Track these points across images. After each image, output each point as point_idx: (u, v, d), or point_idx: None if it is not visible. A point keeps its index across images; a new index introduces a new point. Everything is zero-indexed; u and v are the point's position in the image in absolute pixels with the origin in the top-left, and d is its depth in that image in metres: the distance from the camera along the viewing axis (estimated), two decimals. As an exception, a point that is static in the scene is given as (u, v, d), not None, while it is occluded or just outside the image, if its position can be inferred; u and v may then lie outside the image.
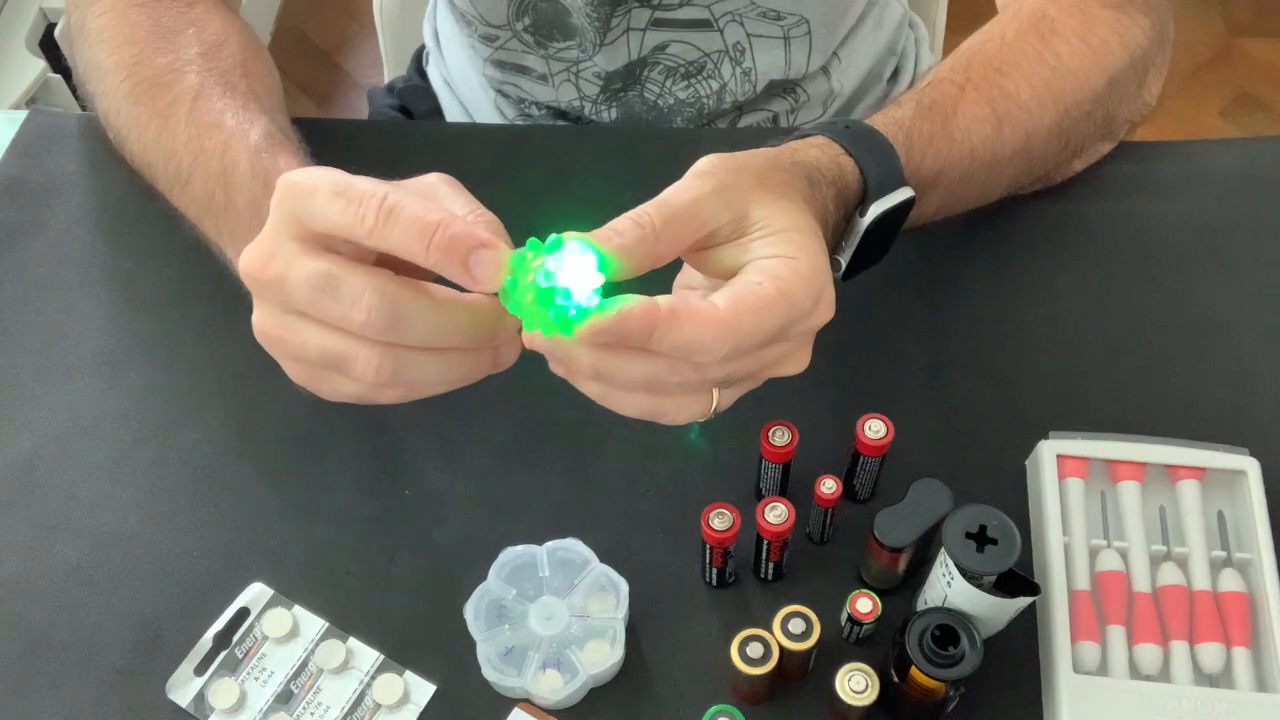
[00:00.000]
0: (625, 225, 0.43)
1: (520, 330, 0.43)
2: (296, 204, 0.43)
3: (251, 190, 0.54)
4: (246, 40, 0.65)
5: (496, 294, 0.42)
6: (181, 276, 0.68)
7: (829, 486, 0.54)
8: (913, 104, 0.61)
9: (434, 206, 0.42)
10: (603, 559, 0.56)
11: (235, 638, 0.56)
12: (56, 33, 1.52)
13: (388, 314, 0.41)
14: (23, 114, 0.76)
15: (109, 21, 0.64)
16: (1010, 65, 0.63)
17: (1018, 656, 0.54)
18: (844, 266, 0.58)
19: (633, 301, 0.41)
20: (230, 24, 0.65)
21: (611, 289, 0.42)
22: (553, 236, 0.41)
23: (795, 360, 0.47)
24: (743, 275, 0.44)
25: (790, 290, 0.43)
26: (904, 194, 0.56)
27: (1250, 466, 0.57)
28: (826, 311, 0.46)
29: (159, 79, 0.61)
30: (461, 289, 0.43)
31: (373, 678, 0.54)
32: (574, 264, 0.41)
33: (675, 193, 0.45)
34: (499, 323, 0.43)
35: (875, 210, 0.55)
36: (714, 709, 0.49)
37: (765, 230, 0.45)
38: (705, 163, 0.47)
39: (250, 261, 0.44)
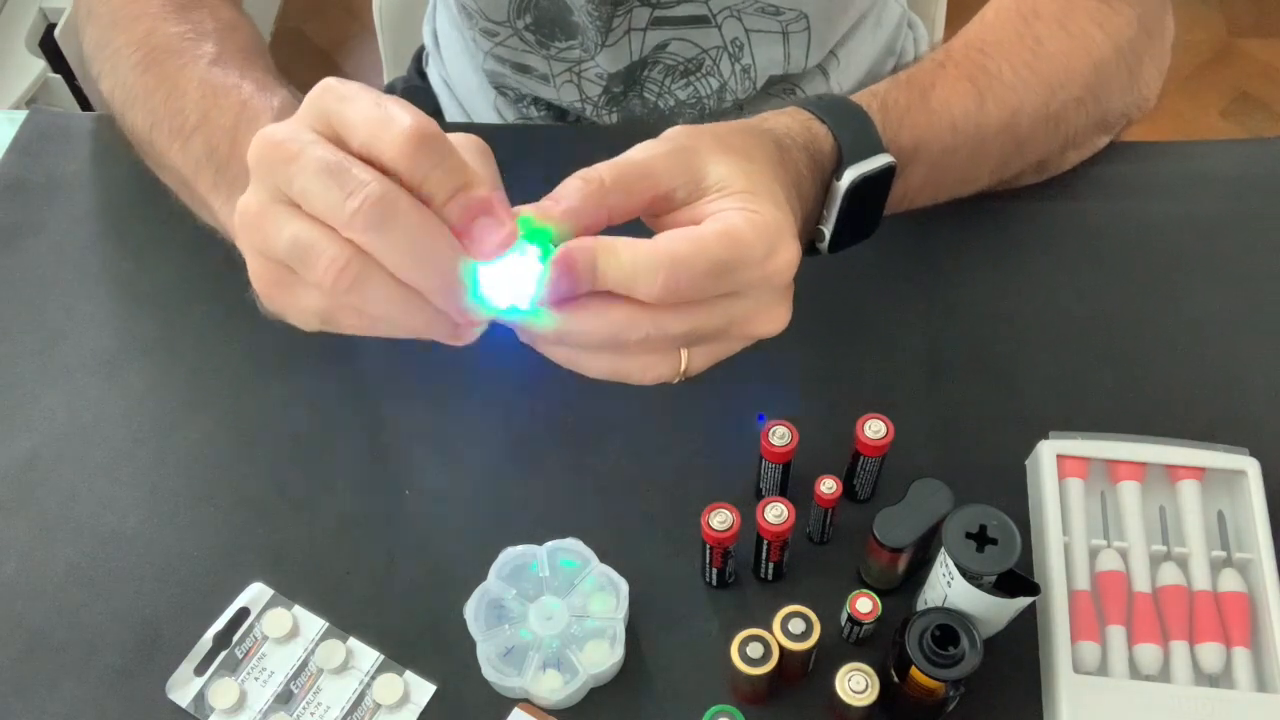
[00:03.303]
0: (570, 185, 0.43)
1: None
2: (331, 104, 0.42)
3: None
4: (252, 32, 0.65)
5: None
6: (181, 276, 0.68)
7: (829, 486, 0.54)
8: (890, 80, 0.61)
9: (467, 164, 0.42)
10: (603, 559, 0.56)
11: (235, 638, 0.56)
12: (56, 33, 1.52)
13: (380, 210, 0.40)
14: (23, 114, 0.76)
15: (121, 2, 0.64)
16: (991, 45, 0.63)
17: (1018, 656, 0.54)
18: (828, 236, 0.57)
19: (571, 241, 0.42)
20: (240, 16, 0.66)
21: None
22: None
23: (767, 316, 0.46)
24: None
25: (735, 229, 0.43)
26: (883, 159, 0.56)
27: (1250, 466, 0.57)
28: (784, 259, 0.44)
29: (172, 45, 0.61)
30: None
31: (373, 678, 0.54)
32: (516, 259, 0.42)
33: (630, 152, 0.45)
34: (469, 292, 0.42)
35: (852, 174, 0.55)
36: (714, 709, 0.49)
37: (723, 191, 0.45)
38: (667, 131, 0.47)
39: (266, 136, 0.42)
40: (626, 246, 0.42)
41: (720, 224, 0.43)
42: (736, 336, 0.46)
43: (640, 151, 0.45)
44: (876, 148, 0.56)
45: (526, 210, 0.43)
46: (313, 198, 0.41)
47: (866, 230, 0.59)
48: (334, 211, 0.40)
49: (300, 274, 0.42)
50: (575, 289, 0.42)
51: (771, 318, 0.46)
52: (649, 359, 0.45)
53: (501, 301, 0.42)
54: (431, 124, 0.41)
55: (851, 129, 0.56)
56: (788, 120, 0.55)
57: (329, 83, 0.42)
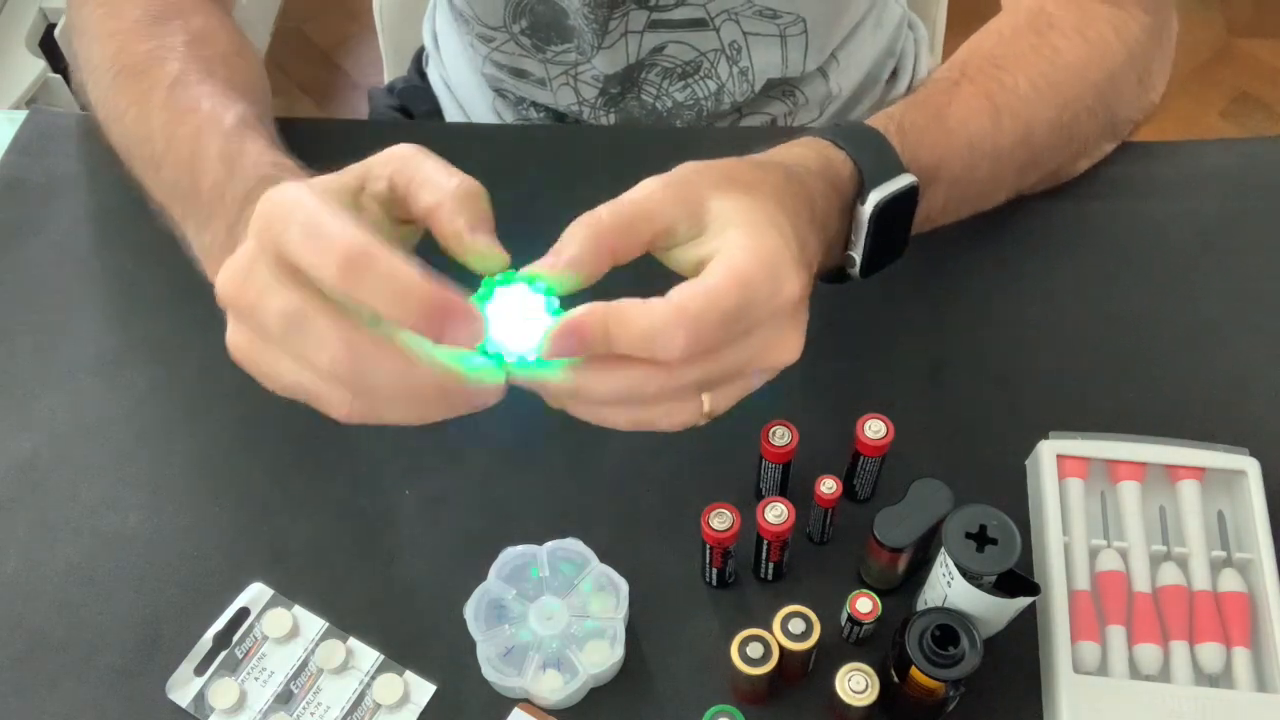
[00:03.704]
0: (571, 233, 0.43)
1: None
2: (273, 230, 0.41)
3: (216, 174, 0.54)
4: (232, 36, 0.66)
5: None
6: (181, 276, 0.68)
7: (829, 486, 0.54)
8: (904, 101, 0.61)
9: (407, 264, 0.40)
10: (603, 559, 0.56)
11: (235, 638, 0.56)
12: (56, 33, 1.52)
13: (351, 365, 0.41)
14: (23, 114, 0.76)
15: (101, 15, 0.65)
16: (1007, 59, 0.63)
17: (1018, 656, 0.54)
18: (859, 261, 0.57)
19: (581, 308, 0.42)
20: (215, 20, 0.66)
21: (572, 302, 0.43)
22: (499, 276, 0.43)
23: (781, 347, 0.46)
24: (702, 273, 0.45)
25: (741, 271, 0.43)
26: (905, 179, 0.56)
27: (1250, 466, 0.57)
28: (790, 289, 0.44)
29: (139, 65, 0.61)
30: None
31: (373, 678, 0.54)
32: (520, 308, 0.42)
33: (630, 192, 0.45)
34: (469, 370, 0.43)
35: (876, 197, 0.55)
36: (714, 709, 0.49)
37: (723, 225, 0.45)
38: (678, 166, 0.47)
39: (226, 281, 0.43)
40: (639, 312, 0.42)
41: (725, 268, 0.43)
42: (753, 373, 0.46)
43: (640, 190, 0.45)
44: (897, 169, 0.56)
45: (531, 270, 0.43)
46: (291, 346, 0.42)
47: (896, 252, 0.59)
48: (313, 363, 0.41)
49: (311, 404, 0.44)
50: (588, 349, 0.42)
51: (785, 347, 0.46)
52: (670, 406, 0.45)
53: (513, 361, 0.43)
54: (353, 243, 0.39)
55: (870, 152, 0.56)
56: (801, 150, 0.55)
57: (268, 203, 0.41)
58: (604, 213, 0.44)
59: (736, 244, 0.44)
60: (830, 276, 0.60)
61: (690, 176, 0.46)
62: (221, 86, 0.59)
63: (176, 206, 0.57)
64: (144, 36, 0.62)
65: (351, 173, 0.45)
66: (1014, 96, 0.62)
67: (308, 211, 0.40)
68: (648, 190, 0.45)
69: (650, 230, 0.45)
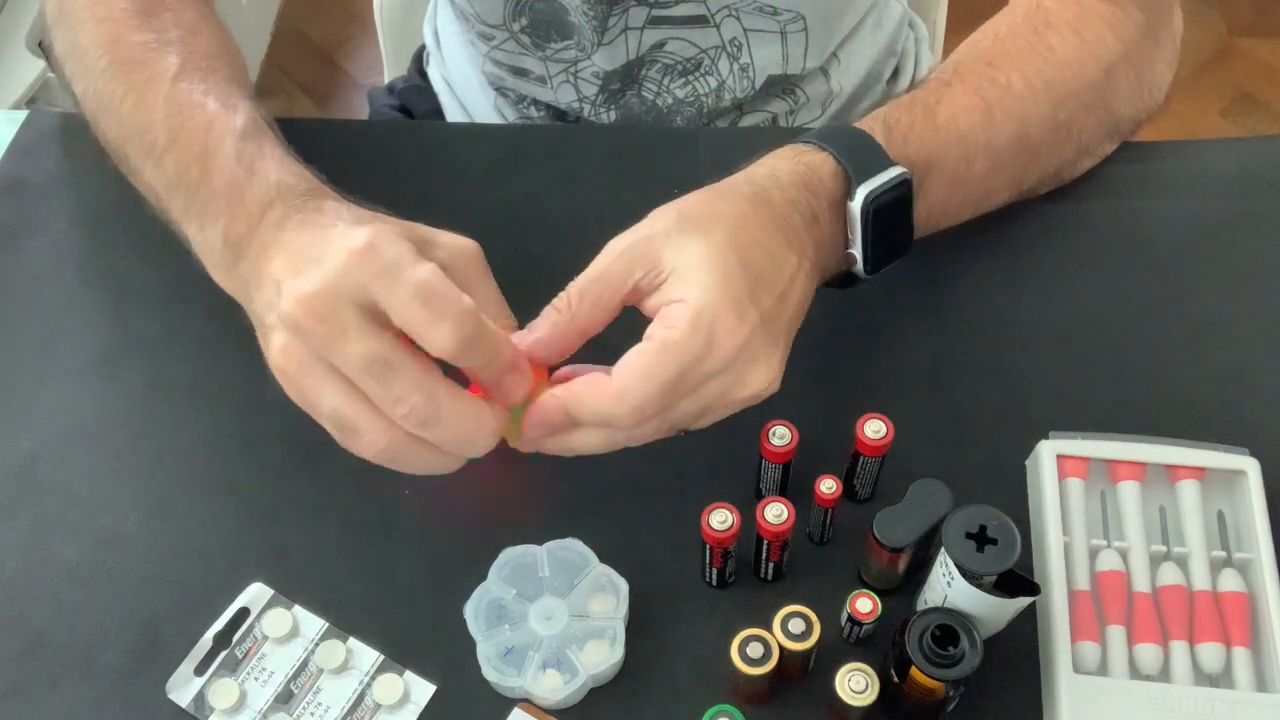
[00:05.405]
0: (541, 318, 0.50)
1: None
2: (374, 281, 0.44)
3: (233, 172, 0.54)
4: (216, 31, 0.65)
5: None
6: (181, 276, 0.68)
7: (829, 486, 0.54)
8: (893, 103, 0.61)
9: (501, 333, 0.47)
10: (603, 559, 0.56)
11: (235, 638, 0.56)
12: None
13: (426, 416, 0.45)
14: (23, 114, 0.76)
15: (88, 2, 0.64)
16: (1001, 57, 0.63)
17: (1018, 656, 0.54)
18: (859, 259, 0.57)
19: (545, 395, 0.49)
20: (203, 16, 0.66)
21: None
22: None
23: (742, 386, 0.49)
24: (649, 329, 0.49)
25: (674, 340, 0.47)
26: (894, 171, 0.56)
27: (1250, 466, 0.57)
28: (728, 343, 0.48)
29: (136, 56, 0.61)
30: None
31: (373, 678, 0.54)
32: None
33: (591, 265, 0.50)
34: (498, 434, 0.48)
35: (864, 191, 0.55)
36: (714, 709, 0.49)
37: (671, 272, 0.49)
38: (651, 213, 0.52)
39: (305, 307, 0.45)
40: (594, 392, 0.48)
41: (660, 341, 0.48)
42: (721, 406, 0.50)
43: (597, 262, 0.50)
44: (884, 163, 0.56)
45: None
46: (359, 383, 0.45)
47: (901, 247, 0.59)
48: (381, 405, 0.45)
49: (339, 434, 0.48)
50: (557, 432, 0.49)
51: (747, 385, 0.49)
52: (643, 439, 0.51)
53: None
54: (471, 322, 0.44)
55: (855, 151, 0.56)
56: (776, 162, 0.56)
57: (375, 248, 0.45)
58: (572, 290, 0.49)
59: (677, 299, 0.48)
60: (841, 280, 0.60)
61: (644, 231, 0.50)
62: (224, 85, 0.59)
63: (178, 198, 0.57)
64: (137, 27, 0.62)
65: (413, 231, 0.49)
66: (1007, 93, 0.62)
67: (421, 276, 0.44)
68: (605, 259, 0.50)
69: (616, 295, 0.49)
